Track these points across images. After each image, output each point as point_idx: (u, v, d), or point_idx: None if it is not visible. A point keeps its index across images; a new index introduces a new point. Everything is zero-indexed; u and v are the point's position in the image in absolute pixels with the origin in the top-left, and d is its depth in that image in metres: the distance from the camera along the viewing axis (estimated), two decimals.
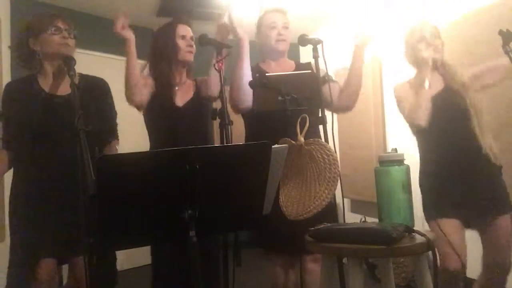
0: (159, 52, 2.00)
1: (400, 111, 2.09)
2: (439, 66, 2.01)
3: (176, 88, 2.02)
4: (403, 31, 2.17)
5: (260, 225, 1.81)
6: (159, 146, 1.96)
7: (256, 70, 1.95)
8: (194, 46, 2.03)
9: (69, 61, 1.71)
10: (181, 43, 2.00)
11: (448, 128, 1.91)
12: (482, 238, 1.93)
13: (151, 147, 2.04)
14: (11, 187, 1.90)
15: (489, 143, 1.89)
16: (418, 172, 2.01)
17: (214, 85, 1.93)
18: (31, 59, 1.88)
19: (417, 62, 2.00)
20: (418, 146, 2.08)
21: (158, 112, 1.98)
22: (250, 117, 2.01)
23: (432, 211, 1.89)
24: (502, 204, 1.89)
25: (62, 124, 1.82)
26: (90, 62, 2.31)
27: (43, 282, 1.78)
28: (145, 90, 1.95)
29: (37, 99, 1.86)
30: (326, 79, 1.87)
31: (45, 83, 1.89)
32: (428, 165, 1.99)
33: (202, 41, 1.85)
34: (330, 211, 1.52)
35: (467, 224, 1.90)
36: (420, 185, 1.98)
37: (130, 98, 1.90)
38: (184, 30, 2.03)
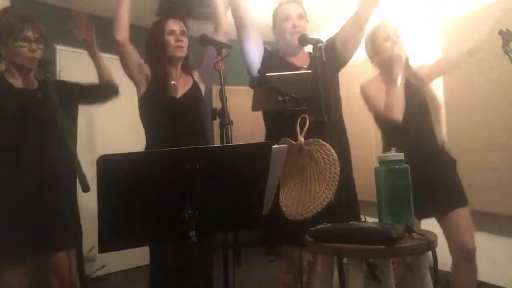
0: (150, 49, 2.02)
1: (370, 109, 2.15)
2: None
3: (173, 82, 2.01)
4: (403, 31, 2.19)
5: (267, 224, 1.81)
6: (156, 139, 1.95)
7: (278, 60, 1.98)
8: (184, 40, 2.02)
9: (43, 64, 1.71)
10: (169, 39, 1.98)
11: (410, 123, 1.97)
12: (442, 226, 2.01)
13: (148, 142, 2.02)
14: None
15: (442, 137, 2.01)
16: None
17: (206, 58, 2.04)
18: None
19: (386, 60, 2.04)
20: (383, 141, 2.16)
21: (155, 104, 1.97)
22: (269, 116, 2.00)
23: None
24: (458, 197, 1.99)
25: (39, 118, 1.83)
26: (89, 62, 2.30)
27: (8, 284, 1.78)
28: (140, 75, 2.00)
29: (11, 95, 1.86)
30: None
31: (13, 80, 1.90)
32: None
33: (202, 41, 1.84)
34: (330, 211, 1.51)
35: (423, 216, 1.98)
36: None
37: (114, 30, 1.94)
38: (173, 25, 2.01)
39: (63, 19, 2.26)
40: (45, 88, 1.92)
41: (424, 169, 1.93)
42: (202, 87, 2.13)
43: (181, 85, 2.04)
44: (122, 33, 1.94)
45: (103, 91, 2.22)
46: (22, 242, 1.77)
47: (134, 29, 2.04)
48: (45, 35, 1.94)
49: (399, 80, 1.97)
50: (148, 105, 1.99)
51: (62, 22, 2.22)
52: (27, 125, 1.83)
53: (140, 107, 2.03)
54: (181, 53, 2.01)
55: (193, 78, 2.09)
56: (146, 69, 2.01)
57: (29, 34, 1.86)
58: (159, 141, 1.92)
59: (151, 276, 1.94)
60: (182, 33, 2.02)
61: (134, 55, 1.99)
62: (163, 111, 1.95)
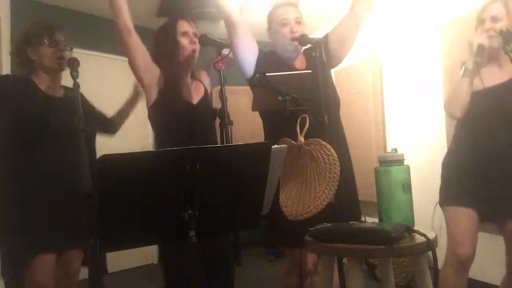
0: (161, 52, 1.90)
1: None
2: (498, 57, 1.86)
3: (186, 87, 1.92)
4: (404, 32, 2.15)
5: (267, 224, 1.80)
6: (170, 145, 1.86)
7: (276, 61, 1.95)
8: (197, 43, 1.89)
9: (72, 63, 1.73)
10: (183, 41, 1.88)
11: (492, 128, 1.83)
12: (504, 235, 1.90)
13: (159, 146, 1.93)
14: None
15: None
16: (447, 153, 2.00)
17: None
18: (28, 66, 1.93)
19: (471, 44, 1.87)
20: (456, 132, 2.00)
21: (170, 110, 1.84)
22: (268, 116, 1.98)
23: (450, 197, 1.91)
24: None
25: (60, 123, 1.87)
26: (90, 62, 2.31)
27: (40, 280, 1.78)
28: (149, 75, 1.86)
29: (36, 99, 1.89)
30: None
31: (41, 84, 1.94)
32: (459, 153, 1.95)
33: (202, 41, 1.84)
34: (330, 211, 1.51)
35: (485, 218, 1.88)
36: (444, 168, 1.98)
37: (114, 15, 1.77)
38: (185, 26, 1.90)
39: (63, 19, 2.26)
40: (70, 93, 1.97)
41: (493, 177, 1.82)
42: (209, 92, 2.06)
43: (195, 90, 1.95)
44: (122, 16, 1.77)
45: (108, 125, 2.26)
46: (54, 236, 1.80)
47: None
48: (70, 42, 2.00)
49: (467, 72, 1.80)
50: (162, 111, 1.86)
51: (62, 22, 2.22)
52: (49, 127, 1.86)
53: (151, 113, 1.89)
54: (194, 57, 1.90)
55: (203, 85, 2.02)
56: (156, 71, 1.88)
57: (57, 37, 1.94)
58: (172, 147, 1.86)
59: (165, 276, 1.84)
60: (195, 35, 1.91)
61: (141, 48, 1.85)
62: (179, 116, 1.84)
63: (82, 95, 2.01)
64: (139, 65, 1.84)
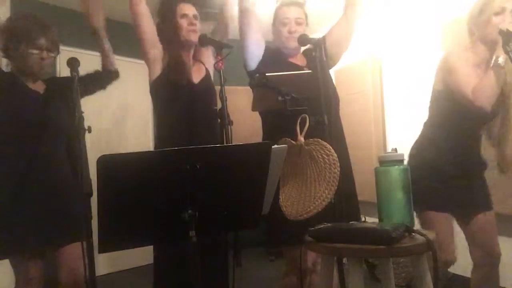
0: (161, 34, 1.93)
1: (446, 82, 1.81)
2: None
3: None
4: (404, 31, 2.16)
5: (267, 224, 1.80)
6: (171, 126, 1.89)
7: (279, 59, 1.97)
8: (197, 25, 1.95)
9: (73, 62, 1.72)
10: (182, 22, 1.92)
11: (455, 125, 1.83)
12: (466, 232, 1.92)
13: (161, 129, 1.97)
14: None
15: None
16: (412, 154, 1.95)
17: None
18: (13, 62, 1.89)
19: (492, 37, 1.73)
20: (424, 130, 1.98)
21: (172, 88, 1.88)
22: (267, 116, 1.99)
23: (424, 203, 1.82)
24: (487, 201, 1.90)
25: (48, 119, 1.85)
26: (90, 62, 2.30)
27: (31, 279, 1.78)
28: (155, 49, 1.92)
29: (24, 95, 1.86)
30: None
31: (26, 80, 1.90)
32: (431, 153, 1.87)
33: (202, 41, 1.85)
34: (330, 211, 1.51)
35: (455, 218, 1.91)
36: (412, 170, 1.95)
37: None
38: (185, 8, 1.94)
39: (63, 19, 2.25)
40: (52, 89, 1.95)
41: (462, 173, 1.83)
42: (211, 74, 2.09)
43: (196, 70, 1.99)
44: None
45: (105, 78, 2.17)
46: (40, 234, 1.77)
47: (129, 27, 2.02)
48: (58, 43, 1.94)
49: (502, 61, 1.65)
50: (163, 88, 1.90)
51: (62, 22, 2.22)
52: (43, 126, 1.83)
53: (153, 89, 1.94)
54: (194, 38, 1.92)
55: (205, 67, 2.05)
56: (160, 47, 1.93)
57: (42, 41, 1.85)
58: (174, 127, 1.87)
59: (155, 277, 1.91)
60: (195, 17, 1.96)
61: (149, 21, 1.89)
62: (180, 95, 1.87)
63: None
64: (146, 37, 1.90)
